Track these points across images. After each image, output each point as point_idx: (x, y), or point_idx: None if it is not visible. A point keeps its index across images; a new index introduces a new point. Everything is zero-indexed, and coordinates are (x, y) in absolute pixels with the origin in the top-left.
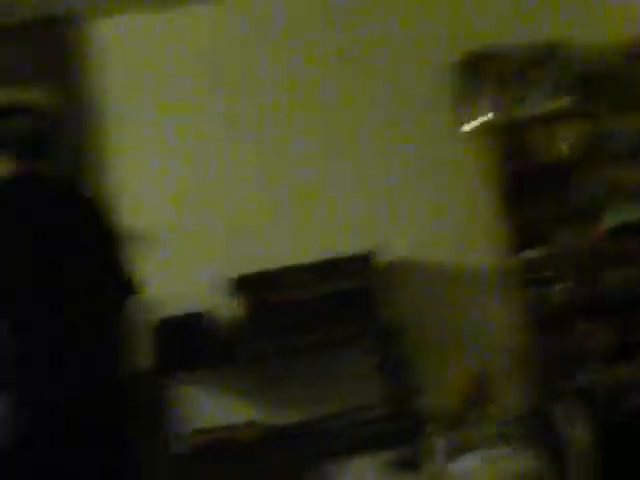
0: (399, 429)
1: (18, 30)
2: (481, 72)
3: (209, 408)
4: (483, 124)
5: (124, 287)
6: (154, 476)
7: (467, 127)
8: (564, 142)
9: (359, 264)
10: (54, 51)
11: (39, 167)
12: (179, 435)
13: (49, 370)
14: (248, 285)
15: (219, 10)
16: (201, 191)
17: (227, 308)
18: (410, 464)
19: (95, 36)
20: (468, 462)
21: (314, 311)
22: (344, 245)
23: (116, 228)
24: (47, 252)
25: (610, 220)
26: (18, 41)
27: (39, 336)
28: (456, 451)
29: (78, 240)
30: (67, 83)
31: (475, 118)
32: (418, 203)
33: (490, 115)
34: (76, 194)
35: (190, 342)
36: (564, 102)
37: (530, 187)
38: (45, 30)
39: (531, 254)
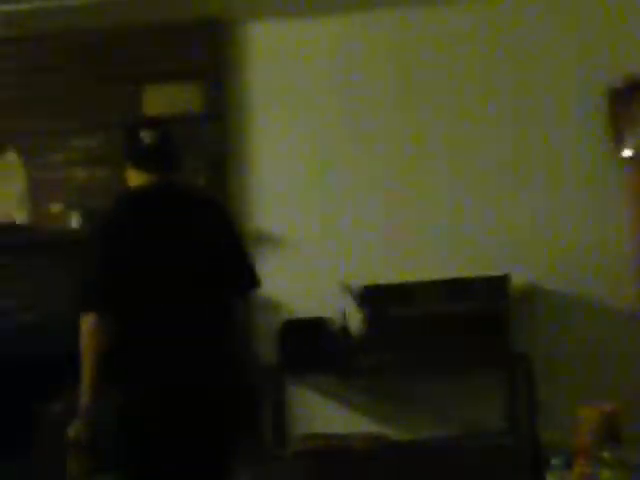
0: (519, 459)
1: (170, 29)
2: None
3: (324, 414)
4: (636, 154)
5: (249, 281)
6: (265, 473)
7: (621, 155)
8: None
9: (492, 286)
10: (205, 51)
11: (172, 178)
12: (293, 436)
13: (174, 362)
14: (374, 296)
15: (364, 20)
16: (337, 199)
17: (352, 317)
18: None
19: (245, 39)
20: None
21: (439, 330)
22: (478, 265)
23: (242, 230)
24: (177, 255)
25: None
26: (169, 40)
27: (168, 329)
28: None
29: (207, 242)
30: (215, 83)
31: (630, 146)
32: (561, 228)
33: None
34: (204, 199)
35: (312, 346)
36: None
37: None
38: (197, 31)
39: None
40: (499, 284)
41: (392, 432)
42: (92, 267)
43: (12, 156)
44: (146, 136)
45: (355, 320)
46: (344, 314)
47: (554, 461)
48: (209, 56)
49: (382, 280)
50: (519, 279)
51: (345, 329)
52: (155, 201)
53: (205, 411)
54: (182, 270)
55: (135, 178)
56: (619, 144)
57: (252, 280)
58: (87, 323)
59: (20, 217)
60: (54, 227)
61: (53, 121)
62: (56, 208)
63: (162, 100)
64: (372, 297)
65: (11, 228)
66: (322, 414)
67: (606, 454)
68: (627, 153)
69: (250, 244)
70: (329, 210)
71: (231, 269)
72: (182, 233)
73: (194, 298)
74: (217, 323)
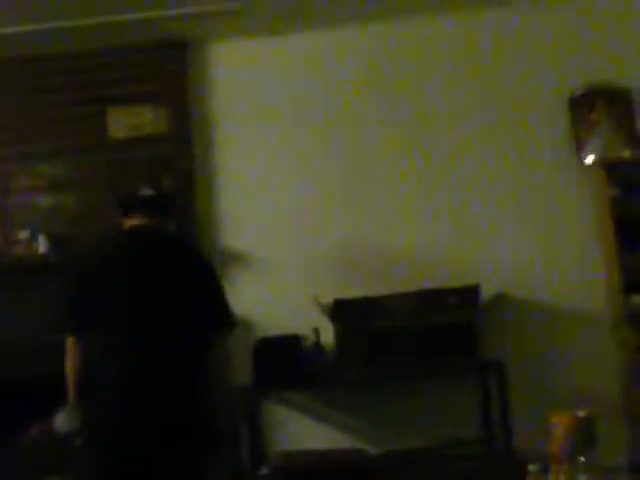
0: (493, 468)
1: (133, 51)
2: (600, 107)
3: (301, 431)
4: (597, 160)
5: (224, 321)
6: None
7: (582, 162)
8: None
9: (463, 296)
10: (169, 72)
11: (159, 223)
12: (271, 454)
13: (147, 394)
14: (345, 311)
15: (328, 39)
16: (305, 215)
17: (325, 332)
18: None
19: (209, 59)
20: None
21: (412, 341)
22: (448, 277)
23: (215, 269)
24: (152, 293)
25: None
26: (134, 62)
27: (136, 366)
28: None
29: (181, 279)
30: (181, 103)
31: (591, 154)
32: (527, 237)
33: (605, 152)
34: (183, 242)
35: (287, 364)
36: None
37: None
38: (161, 52)
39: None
40: (470, 294)
41: (369, 446)
42: (71, 297)
43: None
44: (145, 190)
45: (328, 335)
46: (317, 330)
47: (531, 467)
48: (174, 77)
49: (353, 294)
50: (489, 288)
51: (318, 345)
52: (137, 240)
53: (160, 455)
54: (156, 307)
55: (127, 222)
56: (580, 151)
57: (228, 320)
58: (68, 345)
59: None
60: (22, 253)
61: (18, 146)
62: (23, 234)
63: (127, 122)
64: (343, 312)
65: None
66: (299, 431)
67: (582, 459)
68: (589, 160)
69: (220, 264)
70: (298, 227)
71: (206, 309)
72: (159, 273)
73: (165, 337)
74: (187, 363)
